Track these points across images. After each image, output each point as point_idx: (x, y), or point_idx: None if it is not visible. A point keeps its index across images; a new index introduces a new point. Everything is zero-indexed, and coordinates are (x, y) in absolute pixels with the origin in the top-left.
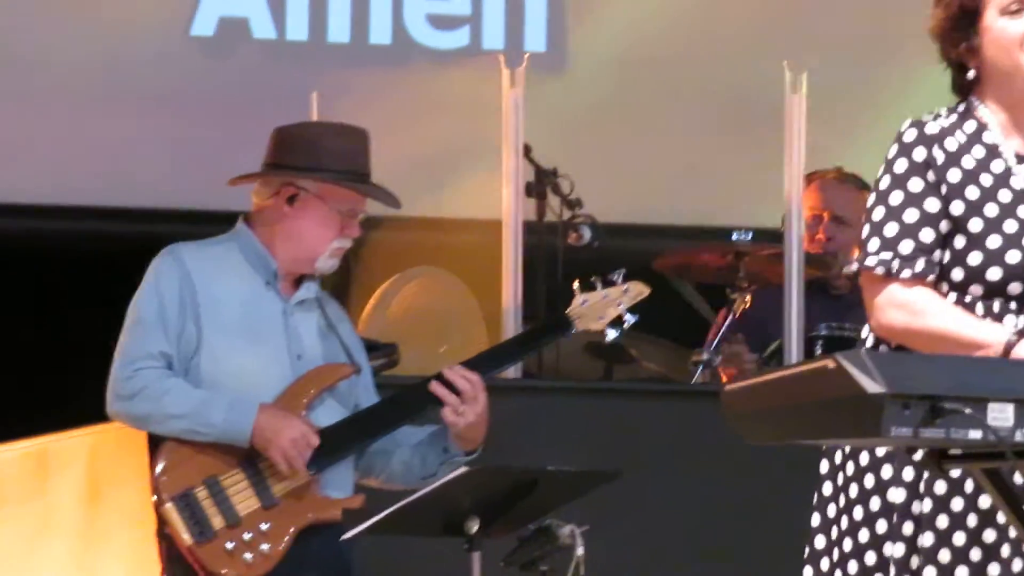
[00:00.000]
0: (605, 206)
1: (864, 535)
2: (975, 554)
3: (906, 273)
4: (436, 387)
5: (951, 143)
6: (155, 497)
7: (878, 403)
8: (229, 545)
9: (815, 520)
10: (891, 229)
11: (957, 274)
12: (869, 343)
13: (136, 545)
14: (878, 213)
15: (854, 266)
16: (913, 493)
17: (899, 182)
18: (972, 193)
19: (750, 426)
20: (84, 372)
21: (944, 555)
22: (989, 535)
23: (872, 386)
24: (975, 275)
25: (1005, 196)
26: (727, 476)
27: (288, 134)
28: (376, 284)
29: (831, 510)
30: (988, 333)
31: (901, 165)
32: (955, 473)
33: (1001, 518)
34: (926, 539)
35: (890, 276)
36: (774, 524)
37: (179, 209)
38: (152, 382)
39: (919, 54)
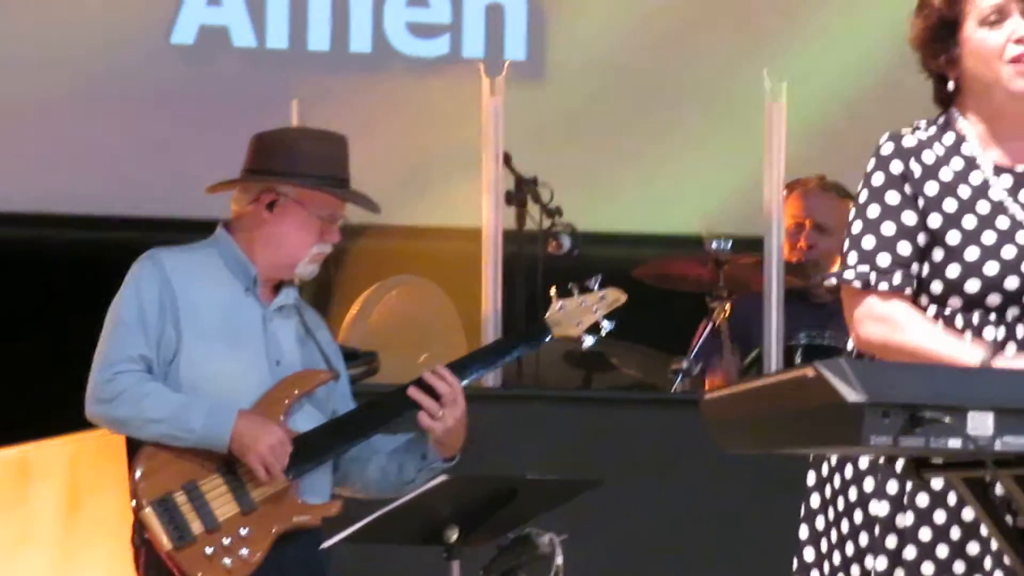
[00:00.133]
0: (585, 215)
1: (850, 548)
2: (958, 567)
3: (883, 286)
4: (414, 392)
5: (928, 156)
6: (134, 502)
7: (858, 412)
8: (208, 550)
9: (803, 532)
10: (869, 242)
11: (936, 287)
12: (855, 356)
13: (116, 553)
14: (856, 226)
15: (833, 279)
16: (897, 506)
17: (876, 195)
18: (950, 206)
19: (729, 435)
20: (66, 379)
21: (927, 568)
22: (972, 548)
23: (852, 395)
24: (953, 287)
25: (983, 208)
26: (707, 485)
27: (267, 140)
28: (356, 292)
29: (819, 522)
30: (964, 351)
31: (878, 178)
32: (937, 485)
33: (984, 530)
34: (909, 552)
35: (868, 289)
36: (754, 533)
37: (159, 217)
38: (132, 386)
39: (900, 62)
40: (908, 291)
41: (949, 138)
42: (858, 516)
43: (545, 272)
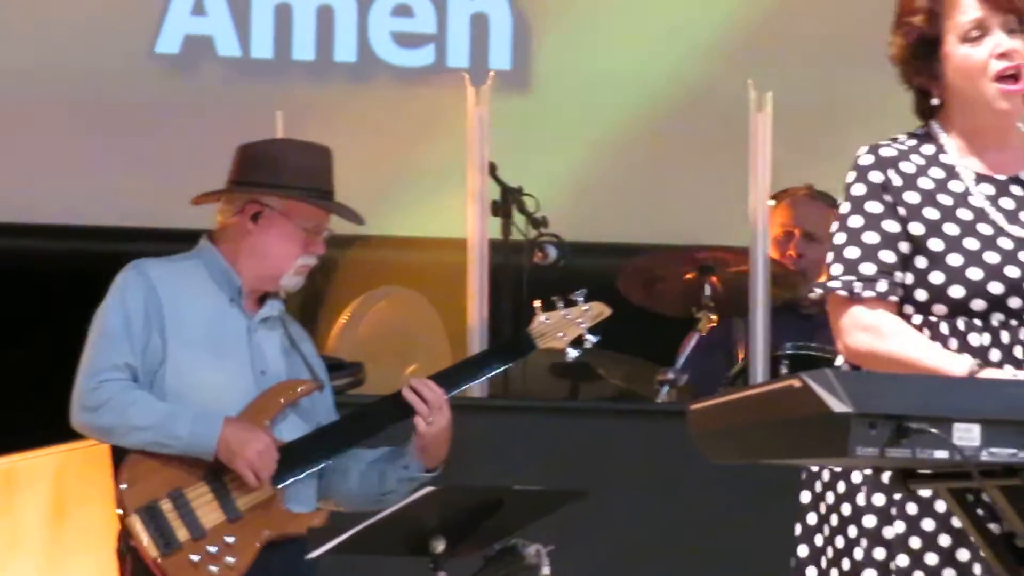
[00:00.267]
0: (571, 225)
1: (846, 564)
2: (948, 574)
3: (868, 294)
4: (408, 393)
5: (908, 166)
6: (120, 509)
7: (844, 422)
8: (194, 557)
9: (803, 551)
10: (852, 252)
11: (920, 294)
12: (844, 369)
13: (101, 564)
14: (839, 237)
15: (818, 290)
16: (884, 518)
17: (858, 205)
18: (931, 213)
19: (716, 445)
20: (50, 389)
21: None
22: (963, 554)
23: (838, 405)
24: (938, 294)
25: (965, 215)
26: (693, 495)
27: (252, 152)
28: (343, 302)
29: (818, 540)
30: (950, 360)
31: (859, 189)
32: (926, 493)
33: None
34: (900, 561)
35: (853, 298)
36: (741, 543)
37: (144, 227)
38: (117, 394)
39: (885, 73)
40: (893, 299)
41: (929, 149)
42: (852, 531)
43: (531, 282)
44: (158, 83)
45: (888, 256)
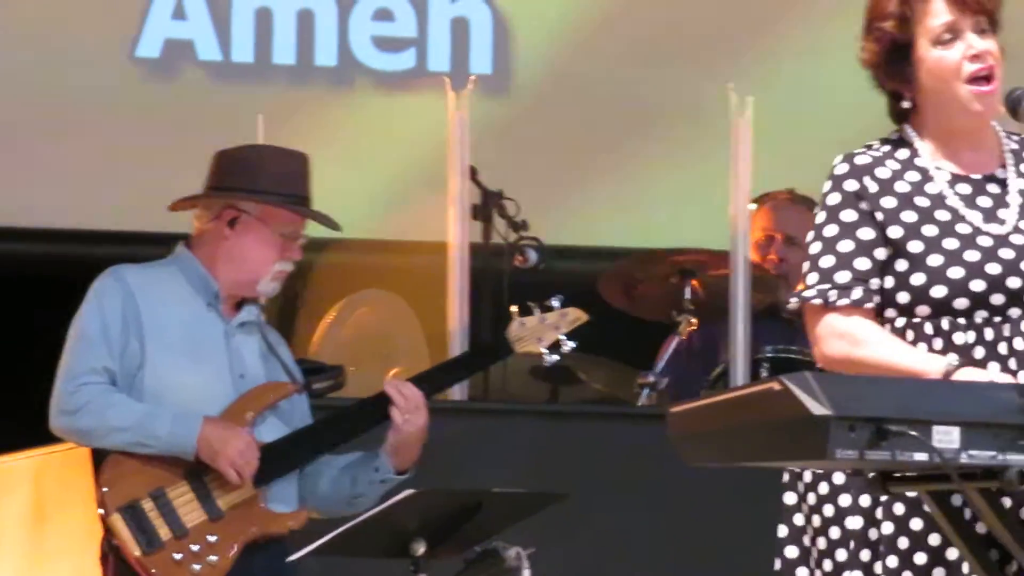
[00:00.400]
0: (551, 228)
1: (828, 565)
2: (938, 573)
3: (843, 302)
4: (389, 387)
5: (883, 171)
6: (101, 509)
7: (823, 425)
8: (177, 556)
9: (792, 552)
10: (827, 261)
11: (903, 297)
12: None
13: (82, 567)
14: (815, 247)
15: (794, 300)
16: (869, 520)
17: (833, 214)
18: (909, 216)
19: (695, 448)
20: (27, 393)
21: None
22: (951, 553)
23: (818, 408)
24: (920, 295)
25: (943, 215)
26: (673, 498)
27: (229, 157)
28: (323, 306)
29: (806, 541)
30: (926, 362)
31: (834, 198)
32: (913, 493)
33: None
34: (890, 561)
35: (828, 306)
36: (721, 546)
37: (125, 231)
38: (96, 396)
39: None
40: (869, 305)
41: (903, 153)
42: (835, 532)
43: (511, 286)
44: (138, 87)
45: (863, 263)
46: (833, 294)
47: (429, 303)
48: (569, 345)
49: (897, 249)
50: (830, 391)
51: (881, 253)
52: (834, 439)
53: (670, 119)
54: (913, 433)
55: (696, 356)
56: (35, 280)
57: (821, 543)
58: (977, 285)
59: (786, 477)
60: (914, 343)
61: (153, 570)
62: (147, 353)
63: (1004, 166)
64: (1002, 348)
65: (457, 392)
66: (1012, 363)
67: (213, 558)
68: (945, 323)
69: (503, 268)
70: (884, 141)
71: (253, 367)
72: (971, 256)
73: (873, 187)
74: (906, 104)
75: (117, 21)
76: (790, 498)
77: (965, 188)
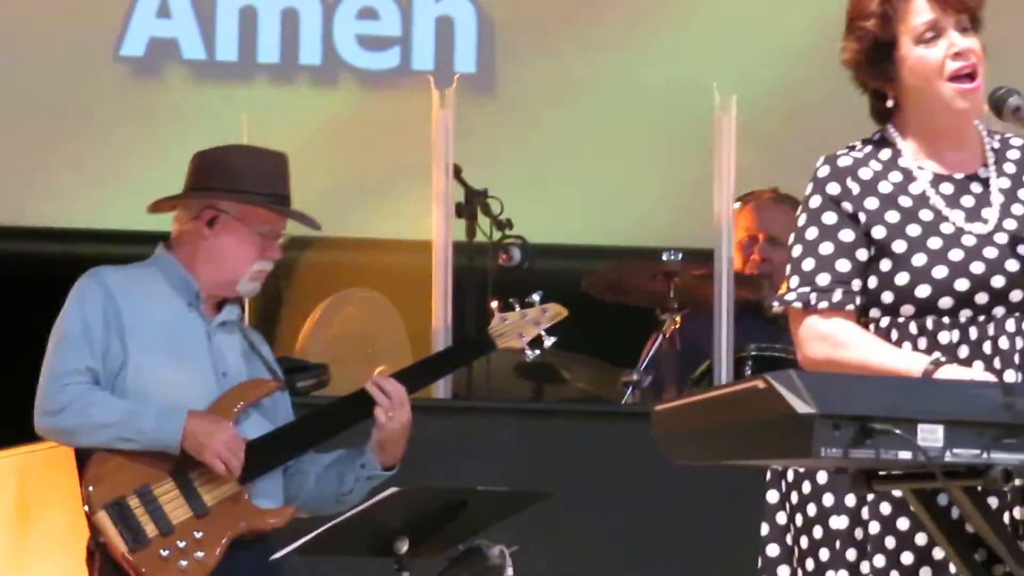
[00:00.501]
0: (535, 227)
1: (810, 564)
2: (925, 573)
3: (823, 304)
4: (371, 387)
5: (865, 172)
6: (87, 506)
7: (808, 423)
8: (164, 552)
9: (773, 551)
10: (808, 264)
11: (887, 297)
12: None
13: (67, 565)
14: (796, 250)
15: (777, 303)
16: (855, 520)
17: (814, 217)
18: (892, 217)
19: (680, 446)
20: (10, 391)
21: None
22: (938, 553)
23: (802, 406)
24: (904, 295)
25: (926, 215)
26: (657, 497)
27: (207, 158)
28: (306, 304)
29: (789, 539)
30: (907, 361)
31: (816, 201)
32: (899, 493)
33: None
34: (877, 561)
35: (808, 309)
36: (705, 544)
37: (109, 230)
38: (79, 396)
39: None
40: (850, 308)
41: (885, 154)
42: (818, 532)
43: (495, 284)
44: (123, 85)
45: (844, 265)
46: (814, 297)
47: (413, 301)
48: (550, 340)
49: (881, 249)
50: (815, 389)
51: (863, 254)
52: (819, 437)
53: (654, 118)
54: (898, 431)
55: (682, 354)
56: (15, 278)
57: (804, 542)
58: (961, 284)
59: (769, 475)
60: (899, 343)
61: (140, 567)
62: (129, 352)
63: (986, 165)
64: (987, 347)
65: (441, 390)
66: (996, 362)
67: (200, 554)
68: (930, 322)
69: (487, 267)
70: (866, 142)
71: (235, 366)
72: (955, 255)
73: (856, 188)
74: (889, 103)
75: (102, 20)
76: (772, 496)
77: (948, 188)
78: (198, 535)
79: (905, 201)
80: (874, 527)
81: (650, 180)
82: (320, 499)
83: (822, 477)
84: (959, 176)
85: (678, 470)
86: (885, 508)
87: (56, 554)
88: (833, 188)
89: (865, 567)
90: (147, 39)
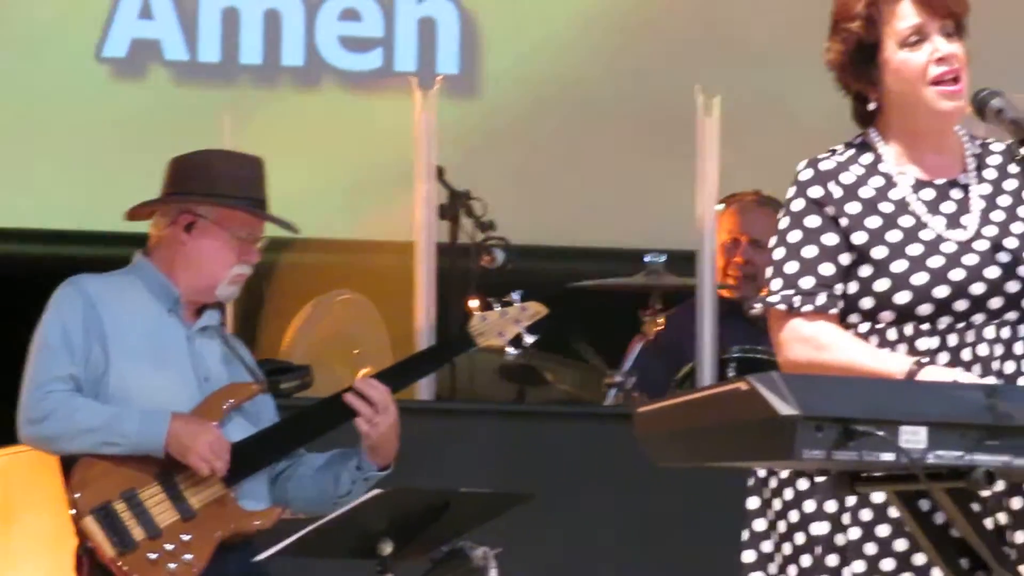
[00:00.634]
0: (518, 228)
1: (792, 570)
2: None
3: (807, 307)
4: (350, 397)
5: (847, 176)
6: (73, 511)
7: (790, 425)
8: (152, 555)
9: (749, 556)
10: (791, 267)
11: (867, 302)
12: None
13: (50, 567)
14: (779, 253)
15: (758, 306)
16: (836, 526)
17: (796, 220)
18: (873, 222)
19: (663, 448)
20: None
21: None
22: (918, 558)
23: (785, 408)
24: (884, 301)
25: (906, 221)
26: (640, 498)
27: (184, 163)
28: (289, 306)
29: (766, 546)
30: (890, 363)
31: (798, 204)
32: (879, 499)
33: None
34: (857, 567)
35: (792, 312)
36: (688, 546)
37: (92, 231)
38: (62, 402)
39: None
40: (833, 311)
41: (867, 158)
42: (799, 538)
43: (478, 286)
44: (104, 86)
45: (827, 269)
46: (797, 300)
47: (396, 303)
48: (530, 339)
49: (861, 255)
50: (797, 391)
51: (845, 258)
52: (801, 439)
53: (637, 119)
54: (880, 433)
55: (664, 356)
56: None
57: (787, 548)
58: (941, 291)
59: (751, 482)
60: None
61: (128, 570)
62: (111, 359)
63: (967, 171)
64: (966, 354)
65: (424, 392)
66: (976, 369)
67: (188, 556)
68: (909, 329)
69: (470, 268)
70: (848, 145)
71: (216, 370)
72: (935, 262)
73: (838, 192)
74: (871, 106)
75: (83, 20)
76: (752, 503)
77: (929, 193)
78: (186, 538)
79: (886, 207)
80: (854, 533)
81: (633, 181)
82: (318, 502)
83: (804, 484)
84: (940, 181)
85: (661, 472)
86: (865, 514)
87: (40, 556)
88: (815, 191)
89: (846, 573)
90: (129, 40)
